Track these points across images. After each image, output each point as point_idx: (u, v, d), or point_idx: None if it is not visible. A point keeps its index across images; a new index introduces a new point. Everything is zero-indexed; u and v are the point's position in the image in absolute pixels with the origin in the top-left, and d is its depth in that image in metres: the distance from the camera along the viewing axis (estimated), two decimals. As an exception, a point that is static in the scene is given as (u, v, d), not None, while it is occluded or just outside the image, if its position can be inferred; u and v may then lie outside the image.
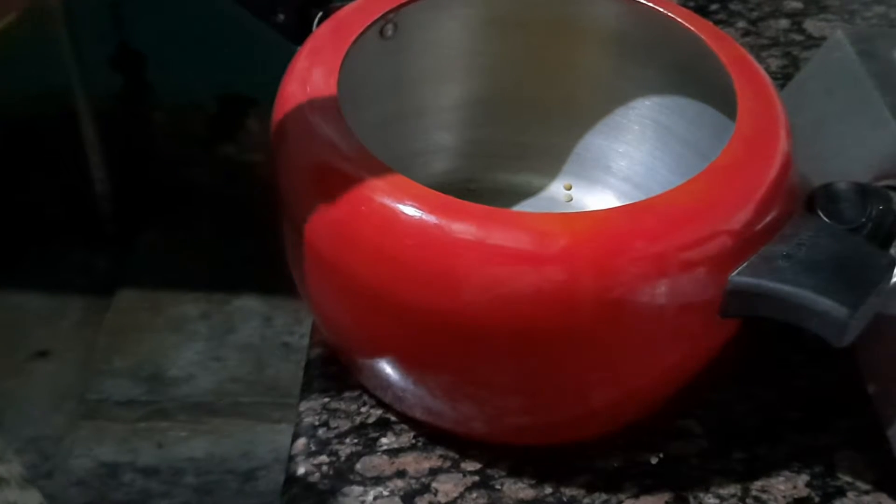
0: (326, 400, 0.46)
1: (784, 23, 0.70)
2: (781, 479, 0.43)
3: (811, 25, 0.69)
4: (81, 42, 1.39)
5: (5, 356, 1.34)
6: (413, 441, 0.44)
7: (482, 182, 0.53)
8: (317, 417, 0.45)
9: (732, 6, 0.71)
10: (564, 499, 0.42)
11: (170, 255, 1.49)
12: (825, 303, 0.35)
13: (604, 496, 0.42)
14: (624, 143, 0.51)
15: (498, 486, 0.42)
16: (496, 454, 0.43)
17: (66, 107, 1.42)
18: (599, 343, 0.38)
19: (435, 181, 0.44)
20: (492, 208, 0.36)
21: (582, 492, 0.42)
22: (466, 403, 0.42)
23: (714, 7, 0.71)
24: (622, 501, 0.42)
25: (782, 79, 0.63)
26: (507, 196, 0.52)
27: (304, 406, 0.45)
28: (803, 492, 0.43)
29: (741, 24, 0.70)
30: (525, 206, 0.52)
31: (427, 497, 0.42)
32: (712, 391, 0.46)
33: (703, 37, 0.44)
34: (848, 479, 0.43)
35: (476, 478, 0.43)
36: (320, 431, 0.44)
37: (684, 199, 0.37)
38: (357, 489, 0.42)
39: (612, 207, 0.37)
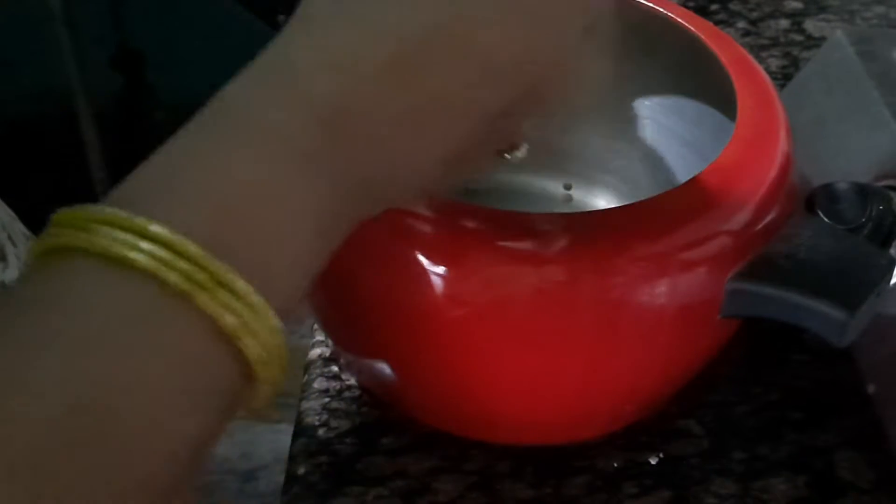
0: (327, 400, 0.46)
1: (784, 23, 0.70)
2: (781, 479, 0.43)
3: (811, 26, 0.69)
4: (82, 42, 1.39)
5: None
6: (413, 441, 0.44)
7: (482, 182, 0.52)
8: (317, 417, 0.45)
9: (732, 6, 0.71)
10: (564, 499, 0.42)
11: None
12: (825, 303, 0.35)
13: (604, 496, 0.42)
14: (623, 142, 0.50)
15: (498, 487, 0.42)
16: (496, 454, 0.43)
17: (66, 107, 1.42)
18: (599, 343, 0.38)
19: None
20: (491, 209, 0.36)
21: (582, 492, 0.42)
22: (466, 403, 0.41)
23: (714, 7, 0.71)
24: (622, 502, 0.42)
25: (782, 79, 0.63)
26: (507, 196, 0.52)
27: (304, 406, 0.45)
28: (803, 492, 0.43)
29: (741, 24, 0.70)
30: (525, 206, 0.51)
31: (427, 497, 0.42)
32: (712, 391, 0.46)
33: (702, 37, 0.43)
34: (848, 479, 0.43)
35: (476, 478, 0.43)
36: (320, 431, 0.44)
37: (684, 200, 0.37)
38: (357, 489, 0.42)
39: (612, 207, 0.37)
